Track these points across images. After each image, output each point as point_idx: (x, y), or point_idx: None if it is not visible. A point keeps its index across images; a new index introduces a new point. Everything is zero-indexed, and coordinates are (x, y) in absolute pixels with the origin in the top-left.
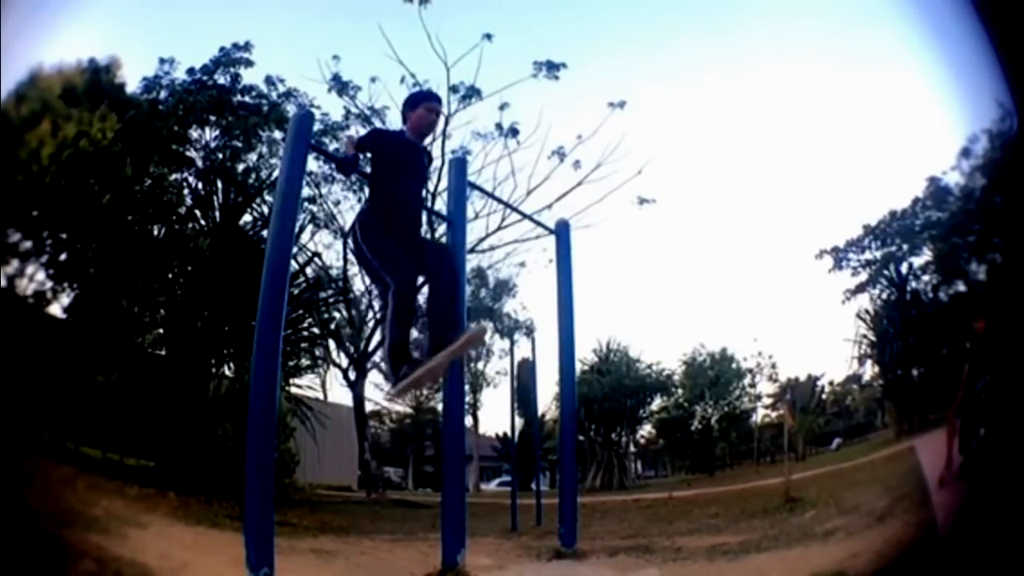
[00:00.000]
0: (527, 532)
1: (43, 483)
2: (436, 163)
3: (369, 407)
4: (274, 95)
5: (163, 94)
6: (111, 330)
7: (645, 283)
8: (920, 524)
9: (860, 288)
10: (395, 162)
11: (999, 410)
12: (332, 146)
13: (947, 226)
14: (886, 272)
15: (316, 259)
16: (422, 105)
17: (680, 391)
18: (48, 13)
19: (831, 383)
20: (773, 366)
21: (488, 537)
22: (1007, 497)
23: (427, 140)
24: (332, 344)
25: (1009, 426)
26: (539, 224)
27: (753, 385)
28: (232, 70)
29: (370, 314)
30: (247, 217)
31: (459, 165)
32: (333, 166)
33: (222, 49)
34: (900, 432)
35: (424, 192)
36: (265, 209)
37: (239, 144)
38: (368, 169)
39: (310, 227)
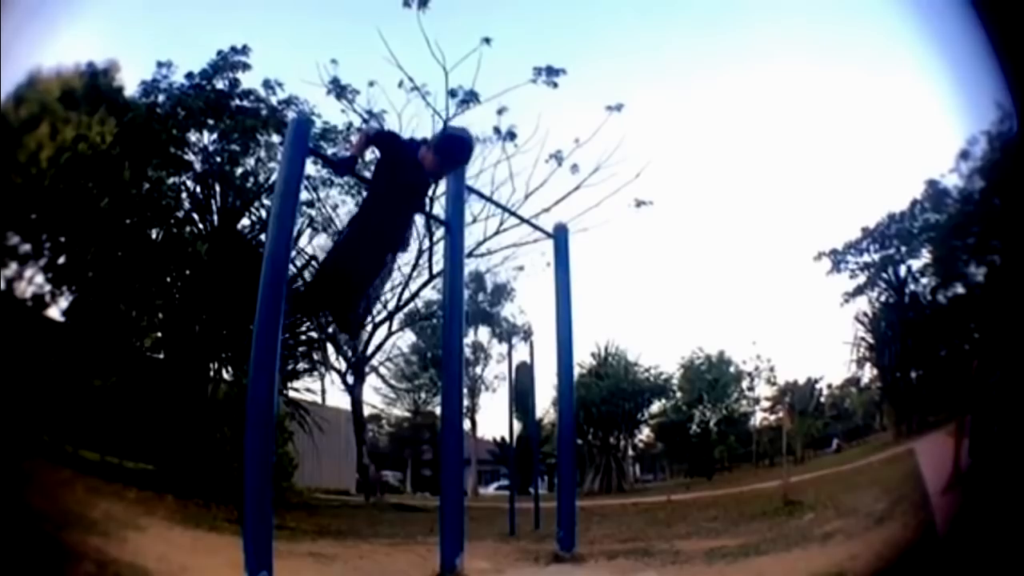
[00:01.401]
0: (525, 536)
1: (43, 485)
2: None
3: (367, 411)
4: (272, 99)
5: (161, 98)
6: (109, 333)
7: (643, 287)
8: (919, 526)
9: (858, 291)
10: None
11: (1010, 408)
12: (331, 150)
13: (946, 228)
14: (884, 275)
15: (314, 263)
16: (440, 158)
17: (678, 394)
18: (46, 16)
19: (829, 386)
20: (771, 369)
21: (486, 541)
22: (1006, 499)
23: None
24: (330, 348)
25: (1015, 426)
26: (537, 228)
27: (751, 388)
28: (230, 74)
29: (368, 318)
30: (245, 221)
31: (457, 169)
32: (331, 170)
33: (220, 53)
34: (899, 434)
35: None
36: (263, 213)
37: (237, 148)
38: (366, 173)
39: (308, 231)
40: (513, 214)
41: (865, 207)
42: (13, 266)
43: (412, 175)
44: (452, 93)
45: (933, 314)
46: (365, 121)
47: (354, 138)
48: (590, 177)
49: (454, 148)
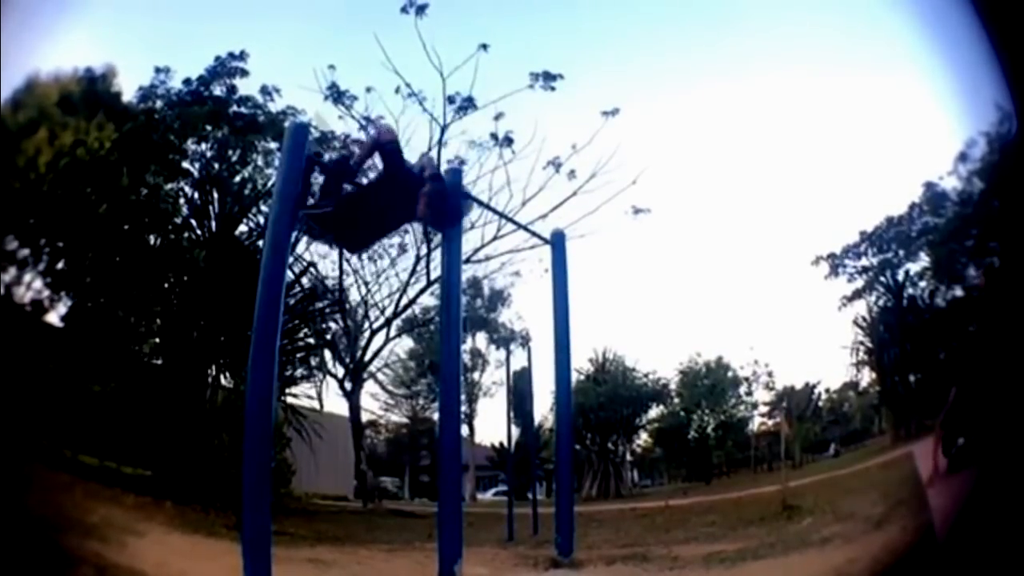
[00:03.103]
0: (524, 541)
1: (42, 490)
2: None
3: (365, 417)
4: (270, 105)
5: (159, 103)
6: (108, 339)
7: (641, 292)
8: (917, 530)
9: (857, 294)
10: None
11: (982, 424)
12: (327, 156)
13: (944, 231)
14: (883, 278)
15: (312, 269)
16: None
17: (676, 400)
18: (45, 21)
19: (828, 390)
20: (769, 374)
21: (485, 547)
22: (1004, 503)
23: None
24: (328, 354)
25: (1000, 434)
26: (534, 234)
27: (750, 393)
28: (228, 80)
29: (366, 324)
30: (243, 227)
31: (454, 175)
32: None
33: (218, 59)
34: (897, 438)
35: None
36: (261, 219)
37: (235, 155)
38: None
39: (306, 237)
40: (510, 220)
41: (863, 210)
42: (12, 271)
43: (400, 213)
44: (449, 99)
45: (932, 318)
46: (363, 127)
47: (357, 147)
48: (587, 183)
49: (444, 217)
